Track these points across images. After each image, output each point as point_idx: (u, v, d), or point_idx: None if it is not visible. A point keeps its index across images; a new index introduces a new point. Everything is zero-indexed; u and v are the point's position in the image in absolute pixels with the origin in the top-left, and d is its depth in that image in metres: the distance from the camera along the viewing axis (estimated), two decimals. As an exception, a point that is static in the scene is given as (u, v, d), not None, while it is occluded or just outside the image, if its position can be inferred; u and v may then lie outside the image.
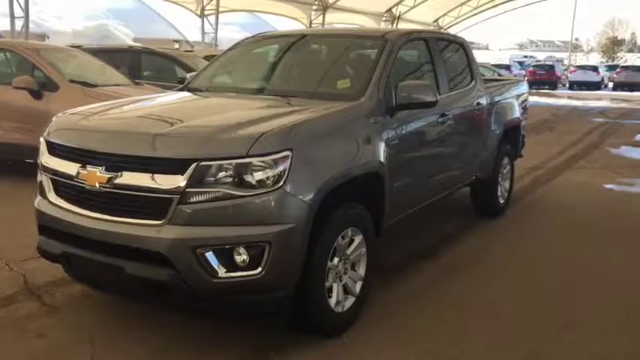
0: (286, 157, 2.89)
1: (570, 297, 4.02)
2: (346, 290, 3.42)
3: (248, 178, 2.83)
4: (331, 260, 3.24)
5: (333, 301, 3.28)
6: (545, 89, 32.40)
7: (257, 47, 4.64)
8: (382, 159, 3.59)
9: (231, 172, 2.82)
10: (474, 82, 5.28)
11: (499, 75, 23.30)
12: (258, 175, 2.83)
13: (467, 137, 5.10)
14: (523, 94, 6.56)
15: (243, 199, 2.81)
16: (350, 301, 3.43)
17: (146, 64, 9.32)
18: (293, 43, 4.51)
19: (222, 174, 2.82)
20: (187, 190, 2.80)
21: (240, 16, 25.65)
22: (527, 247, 5.08)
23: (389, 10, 27.96)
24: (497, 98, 5.76)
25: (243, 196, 2.81)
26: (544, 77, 33.12)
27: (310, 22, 23.68)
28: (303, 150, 2.97)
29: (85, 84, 6.97)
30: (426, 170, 4.36)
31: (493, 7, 32.65)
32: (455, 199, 5.94)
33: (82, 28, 17.22)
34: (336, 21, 24.16)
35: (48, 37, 13.85)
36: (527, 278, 4.32)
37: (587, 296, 4.05)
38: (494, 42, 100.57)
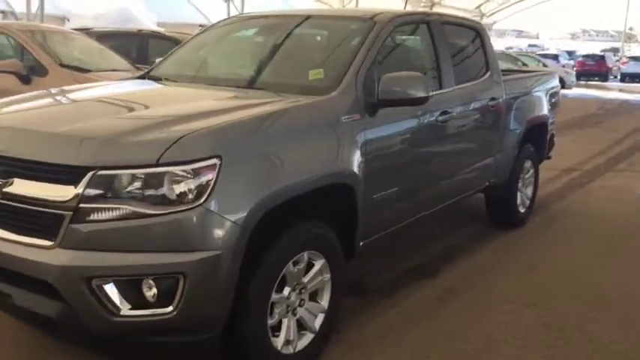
0: (212, 166, 2.29)
1: (587, 344, 3.31)
2: (302, 326, 2.82)
3: (160, 192, 2.24)
4: (279, 292, 2.64)
5: (280, 340, 2.68)
6: (595, 81, 30.80)
7: (230, 30, 4.03)
8: (355, 167, 2.96)
9: (139, 183, 2.24)
10: (488, 74, 4.55)
11: (544, 65, 22.14)
12: (174, 189, 2.24)
13: (477, 138, 4.39)
14: (553, 88, 5.77)
15: (152, 218, 2.23)
16: (306, 339, 2.83)
17: (154, 48, 8.83)
18: (269, 26, 3.89)
19: (126, 186, 2.24)
20: (82, 205, 2.23)
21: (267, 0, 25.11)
22: (543, 270, 4.33)
23: (427, -6, 27.05)
24: (518, 92, 5.01)
25: (152, 214, 2.23)
26: (594, 68, 31.45)
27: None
28: (236, 157, 2.37)
29: (77, 68, 6.56)
30: (420, 178, 3.70)
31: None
32: (468, 202, 5.25)
33: (103, 11, 16.92)
34: (370, 5, 23.68)
35: (68, 20, 13.60)
36: (536, 311, 3.62)
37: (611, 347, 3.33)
38: (545, 31, 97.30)
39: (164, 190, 2.24)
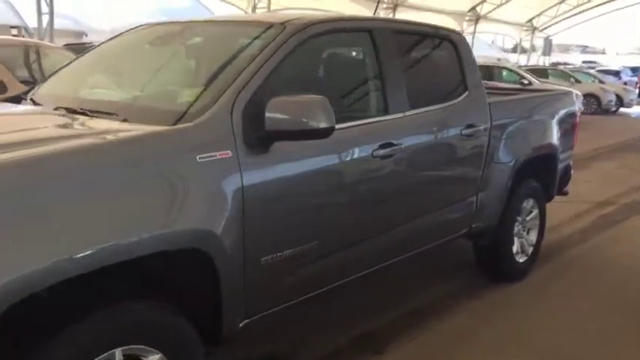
0: None
1: None
2: None
3: None
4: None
5: None
6: (661, 99, 28.66)
7: (121, 42, 3.28)
8: (217, 224, 2.16)
9: None
10: (465, 95, 3.66)
11: (600, 81, 20.59)
12: None
13: (445, 174, 3.50)
14: (566, 111, 4.77)
15: None
16: None
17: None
18: (164, 35, 3.14)
19: None
20: None
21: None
22: (518, 354, 3.37)
23: (472, 8, 25.64)
24: (511, 117, 4.07)
25: None
26: (658, 85, 29.28)
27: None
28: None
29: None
30: (349, 230, 2.84)
31: (598, 5, 29.15)
32: (458, 245, 4.33)
33: (121, 27, 16.61)
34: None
35: (86, 35, 13.39)
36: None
37: None
38: (611, 46, 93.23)
39: None
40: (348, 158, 2.73)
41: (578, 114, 5.03)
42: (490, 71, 16.88)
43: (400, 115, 3.10)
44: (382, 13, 19.62)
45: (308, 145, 2.47)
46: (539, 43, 32.96)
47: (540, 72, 19.06)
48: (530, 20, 29.62)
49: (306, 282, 2.68)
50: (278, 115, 2.30)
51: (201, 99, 2.36)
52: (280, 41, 2.57)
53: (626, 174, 8.84)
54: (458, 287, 4.15)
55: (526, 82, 15.42)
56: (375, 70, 3.05)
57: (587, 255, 4.99)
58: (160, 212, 2.00)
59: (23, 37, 14.73)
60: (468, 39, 23.94)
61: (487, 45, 43.82)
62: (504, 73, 16.83)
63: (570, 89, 5.34)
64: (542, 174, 4.46)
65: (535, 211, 4.46)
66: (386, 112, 3.04)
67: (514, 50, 33.84)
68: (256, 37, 2.68)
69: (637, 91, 26.47)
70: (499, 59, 30.36)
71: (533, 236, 4.49)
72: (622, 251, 5.09)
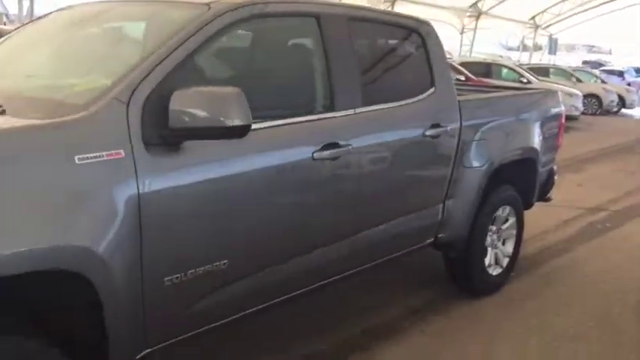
0: None
1: None
2: None
3: None
4: None
5: None
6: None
7: (39, 25, 2.90)
8: (102, 239, 1.81)
9: None
10: (431, 91, 3.30)
11: (602, 81, 20.16)
12: None
13: (403, 179, 3.14)
14: (550, 111, 4.41)
15: None
16: None
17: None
18: (80, 18, 2.76)
19: None
20: None
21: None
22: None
23: (474, 4, 25.09)
24: (486, 117, 3.72)
25: None
26: (664, 86, 28.80)
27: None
28: None
29: None
30: (273, 245, 2.47)
31: (601, 4, 28.53)
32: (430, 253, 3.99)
33: None
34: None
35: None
36: None
37: None
38: (618, 46, 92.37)
39: None
40: (280, 161, 2.37)
41: (564, 115, 4.67)
42: (488, 68, 16.49)
43: (350, 112, 2.74)
44: (382, 7, 19.19)
45: (230, 146, 2.13)
46: (544, 41, 32.48)
47: (541, 71, 18.63)
48: (533, 17, 29.06)
49: (224, 304, 2.32)
50: (184, 110, 1.95)
51: (93, 89, 2.01)
52: (200, 23, 2.22)
53: (621, 178, 8.46)
54: (423, 302, 3.80)
55: (525, 80, 15.02)
56: (321, 62, 2.69)
57: (570, 268, 4.63)
58: (20, 225, 1.65)
59: (4, 23, 14.38)
60: (469, 35, 23.33)
61: (491, 42, 43.33)
62: (504, 71, 16.42)
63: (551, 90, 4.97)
64: (521, 179, 4.11)
65: (512, 220, 4.10)
66: (332, 108, 2.68)
67: (520, 48, 33.32)
68: (174, 19, 2.33)
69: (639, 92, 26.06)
70: (501, 57, 29.90)
71: (509, 247, 4.13)
72: (607, 265, 4.72)
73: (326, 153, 2.56)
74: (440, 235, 3.52)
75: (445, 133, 3.30)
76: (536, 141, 4.14)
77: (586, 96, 17.26)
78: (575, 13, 29.54)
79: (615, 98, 19.14)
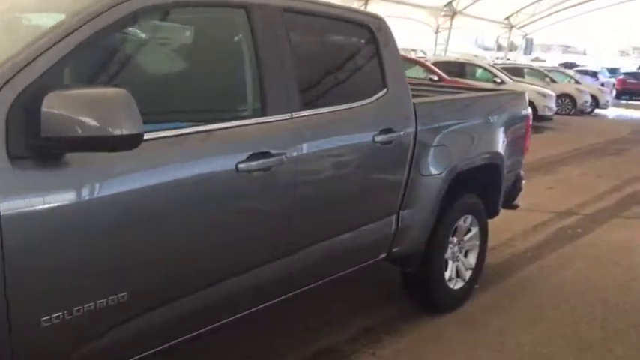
0: None
1: None
2: None
3: None
4: None
5: None
6: (638, 101, 28.35)
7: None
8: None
9: None
10: (383, 93, 2.99)
11: (576, 82, 20.11)
12: None
13: (348, 191, 2.82)
14: (516, 115, 4.14)
15: None
16: None
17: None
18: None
19: None
20: None
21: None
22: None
23: (448, 3, 24.92)
24: (445, 121, 3.43)
25: None
26: (636, 87, 28.97)
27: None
28: None
29: None
30: (185, 270, 2.13)
31: (576, 5, 28.59)
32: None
33: None
34: (385, 14, 21.86)
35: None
36: None
37: None
38: (593, 48, 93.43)
39: None
40: (192, 174, 2.04)
41: (531, 117, 4.41)
42: (462, 68, 16.30)
43: (285, 116, 2.43)
44: (355, 5, 18.80)
45: (124, 158, 1.78)
46: (520, 41, 32.52)
47: (516, 71, 18.50)
48: (507, 17, 29.02)
49: (127, 343, 1.98)
50: (60, 114, 1.61)
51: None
52: (90, 14, 1.87)
53: (592, 181, 8.27)
54: (380, 321, 3.50)
55: (498, 80, 14.85)
56: (250, 60, 2.37)
57: (538, 278, 4.37)
58: None
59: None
60: (444, 34, 23.18)
61: (467, 42, 43.39)
62: (479, 70, 16.23)
63: (518, 92, 4.71)
64: (484, 187, 3.83)
65: (474, 230, 3.82)
66: (263, 112, 2.36)
67: (495, 48, 33.37)
68: (64, 9, 1.98)
69: (613, 92, 26.15)
70: (476, 56, 29.79)
71: (472, 259, 3.86)
72: (576, 275, 4.48)
73: (254, 164, 2.24)
74: (394, 249, 3.23)
75: (398, 139, 3.00)
76: (501, 145, 3.87)
77: (560, 96, 17.17)
78: (550, 14, 29.59)
79: (589, 98, 19.10)
